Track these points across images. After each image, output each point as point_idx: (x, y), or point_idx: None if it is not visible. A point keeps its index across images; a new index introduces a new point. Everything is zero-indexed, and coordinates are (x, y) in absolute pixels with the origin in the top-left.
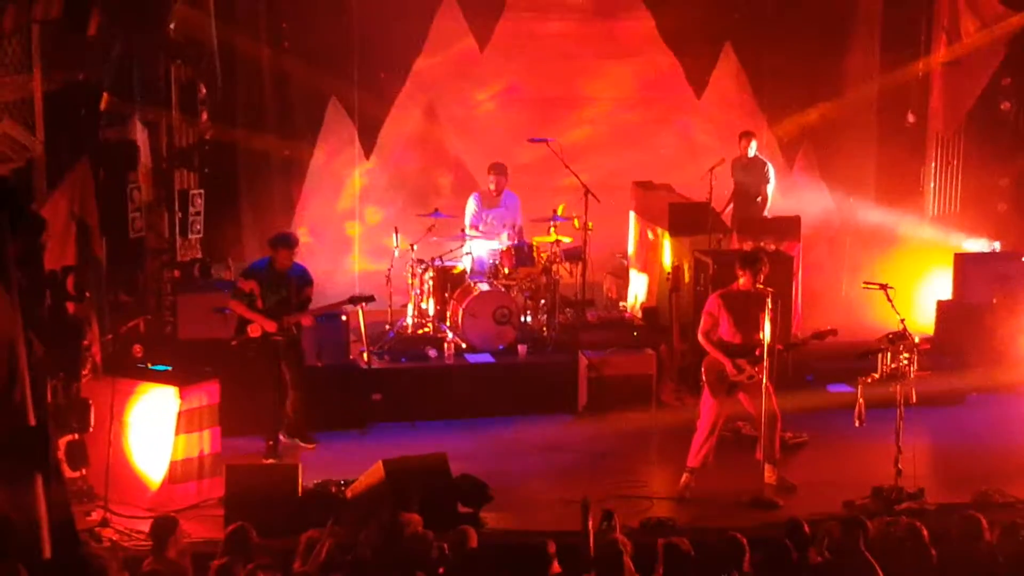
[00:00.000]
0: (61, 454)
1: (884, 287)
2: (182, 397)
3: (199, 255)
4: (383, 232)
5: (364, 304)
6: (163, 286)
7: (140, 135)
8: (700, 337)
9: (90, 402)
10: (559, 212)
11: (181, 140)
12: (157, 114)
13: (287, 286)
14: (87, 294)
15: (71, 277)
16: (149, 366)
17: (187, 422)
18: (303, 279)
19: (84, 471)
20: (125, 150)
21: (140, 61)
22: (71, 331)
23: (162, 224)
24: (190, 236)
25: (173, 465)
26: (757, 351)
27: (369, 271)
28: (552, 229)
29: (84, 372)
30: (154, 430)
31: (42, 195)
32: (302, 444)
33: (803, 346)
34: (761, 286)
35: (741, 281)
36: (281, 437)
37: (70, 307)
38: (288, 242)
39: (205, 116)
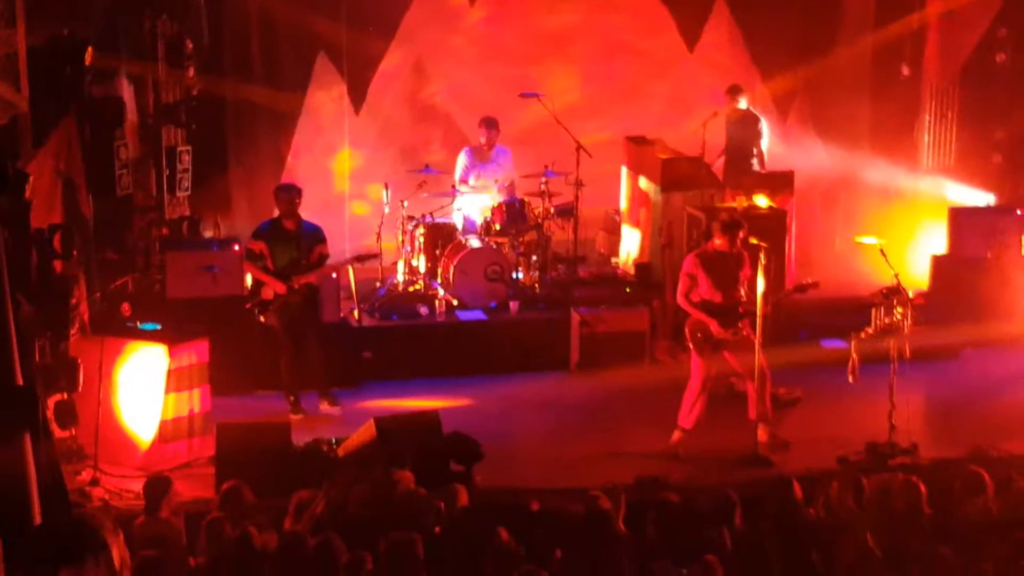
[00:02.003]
0: (50, 414)
1: (877, 241)
2: (171, 355)
3: (187, 212)
4: (373, 189)
5: (367, 262)
6: (151, 244)
7: (126, 91)
8: (680, 299)
9: (78, 361)
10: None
11: (168, 96)
12: (143, 69)
13: (296, 245)
14: (74, 252)
15: (58, 235)
16: (138, 325)
17: (177, 380)
18: (314, 238)
19: (73, 431)
20: (111, 106)
21: (125, 16)
22: (58, 290)
23: (149, 181)
24: (178, 193)
25: (163, 424)
26: (740, 309)
27: (359, 227)
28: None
29: (72, 331)
30: (144, 389)
31: (27, 153)
32: (329, 406)
33: (785, 299)
34: (740, 247)
35: (717, 242)
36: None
37: (57, 266)
38: (286, 188)
39: (192, 71)
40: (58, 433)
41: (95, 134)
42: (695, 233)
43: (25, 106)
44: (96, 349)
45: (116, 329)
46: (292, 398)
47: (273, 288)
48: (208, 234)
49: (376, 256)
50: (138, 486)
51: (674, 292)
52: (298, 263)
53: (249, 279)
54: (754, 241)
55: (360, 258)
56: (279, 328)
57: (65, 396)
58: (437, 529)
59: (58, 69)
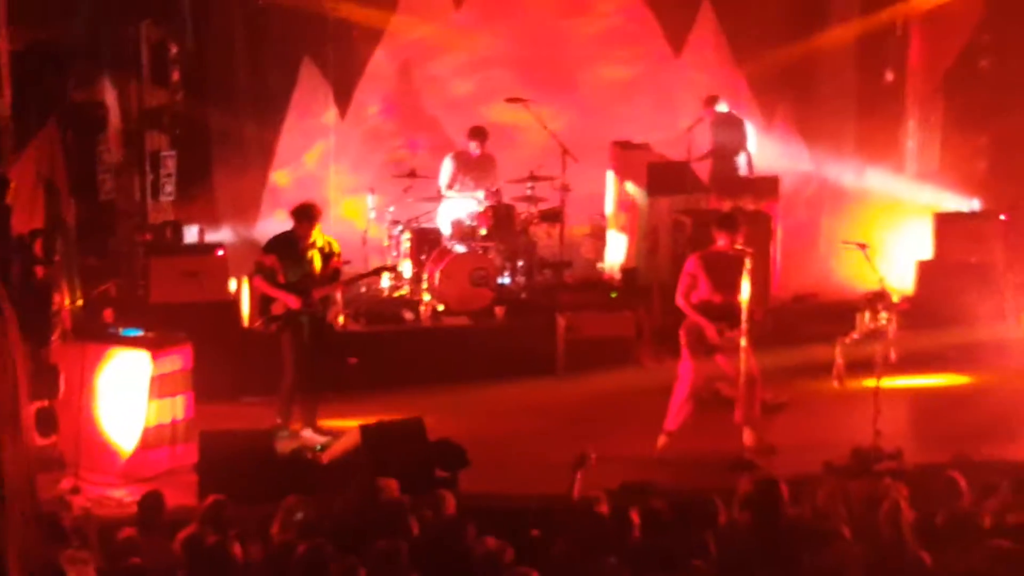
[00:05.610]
0: (30, 421)
1: (862, 246)
2: (155, 361)
3: (171, 217)
4: (358, 192)
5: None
6: (134, 249)
7: (109, 95)
8: (679, 299)
9: (59, 368)
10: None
11: (151, 100)
12: (127, 74)
13: (309, 259)
14: (56, 258)
15: (39, 241)
16: (120, 331)
17: (160, 387)
18: (327, 250)
19: (54, 438)
20: (94, 111)
21: (109, 19)
22: (40, 295)
23: (133, 186)
24: (161, 198)
25: (146, 431)
26: (737, 314)
27: (344, 232)
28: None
29: (53, 337)
30: (126, 395)
31: (9, 158)
32: (318, 437)
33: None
34: (740, 247)
35: (720, 242)
36: (300, 430)
37: (39, 271)
38: (309, 215)
39: (176, 76)
40: (39, 441)
41: (78, 139)
42: (681, 238)
43: (7, 111)
44: (78, 355)
45: (98, 335)
46: (279, 421)
47: (286, 303)
48: (192, 240)
49: (393, 269)
50: (120, 494)
51: (660, 297)
52: (312, 277)
53: (242, 292)
54: (739, 247)
55: (379, 270)
56: (290, 345)
57: (46, 403)
58: (415, 530)
59: (40, 74)
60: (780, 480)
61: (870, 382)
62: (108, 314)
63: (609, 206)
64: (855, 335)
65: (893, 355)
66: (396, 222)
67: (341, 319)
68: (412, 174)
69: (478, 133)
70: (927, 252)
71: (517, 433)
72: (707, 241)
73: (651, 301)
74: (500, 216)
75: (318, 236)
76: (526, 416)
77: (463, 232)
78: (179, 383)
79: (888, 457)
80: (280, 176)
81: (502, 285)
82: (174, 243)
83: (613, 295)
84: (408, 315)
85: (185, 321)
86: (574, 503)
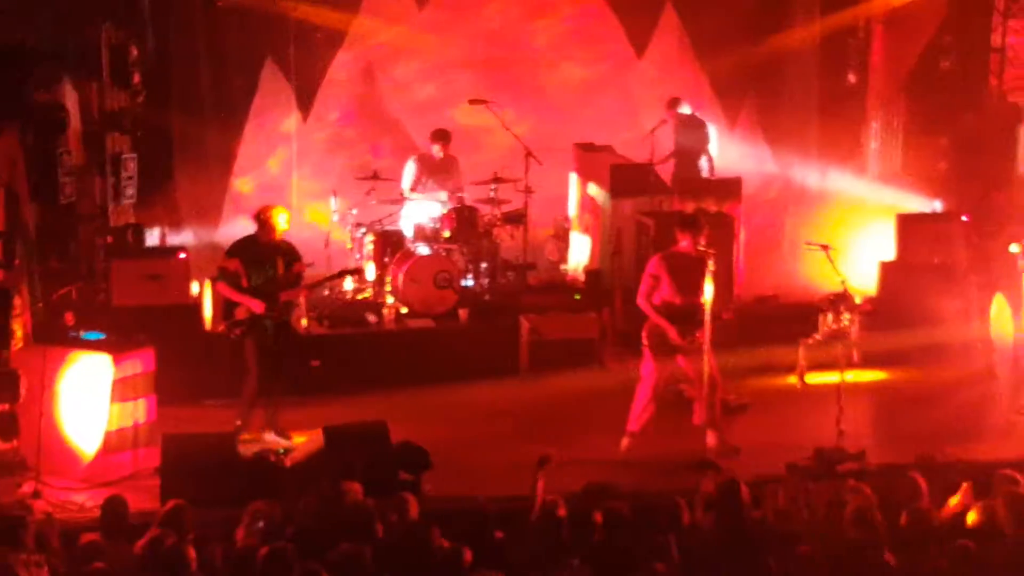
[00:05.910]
0: None
1: (825, 247)
2: (116, 365)
3: (132, 220)
4: (321, 195)
5: (355, 276)
6: (95, 252)
7: (70, 98)
8: (641, 300)
9: (20, 372)
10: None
11: (112, 103)
12: (88, 76)
13: (273, 263)
14: (16, 261)
15: None
16: (82, 334)
17: (122, 390)
18: (290, 255)
19: (15, 442)
20: (54, 113)
21: (70, 22)
22: (0, 299)
23: (93, 189)
24: (123, 201)
25: (108, 435)
26: (699, 315)
27: (308, 235)
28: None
29: (14, 341)
30: (88, 399)
31: None
32: (281, 441)
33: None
34: (703, 248)
35: (682, 244)
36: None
37: None
38: (271, 219)
39: (137, 78)
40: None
41: (38, 141)
42: (644, 239)
43: None
44: (39, 359)
45: (60, 338)
46: (239, 423)
47: (249, 307)
48: (153, 243)
49: (361, 271)
50: (81, 498)
51: (623, 299)
52: (275, 281)
53: (204, 295)
54: (702, 248)
55: (344, 272)
56: (254, 350)
57: (7, 407)
58: (379, 533)
59: (1, 76)
60: (743, 481)
61: (833, 382)
62: (69, 317)
63: (572, 208)
64: (818, 336)
65: (856, 356)
66: (359, 225)
67: (304, 322)
68: (375, 177)
69: (441, 135)
70: (889, 253)
71: (481, 435)
72: (670, 242)
73: (614, 303)
74: (463, 218)
75: (281, 240)
76: (490, 418)
77: (426, 234)
78: (141, 386)
79: (851, 458)
80: (243, 183)
81: (465, 287)
82: (135, 246)
83: (576, 297)
84: (371, 317)
85: (147, 324)
86: (534, 507)
